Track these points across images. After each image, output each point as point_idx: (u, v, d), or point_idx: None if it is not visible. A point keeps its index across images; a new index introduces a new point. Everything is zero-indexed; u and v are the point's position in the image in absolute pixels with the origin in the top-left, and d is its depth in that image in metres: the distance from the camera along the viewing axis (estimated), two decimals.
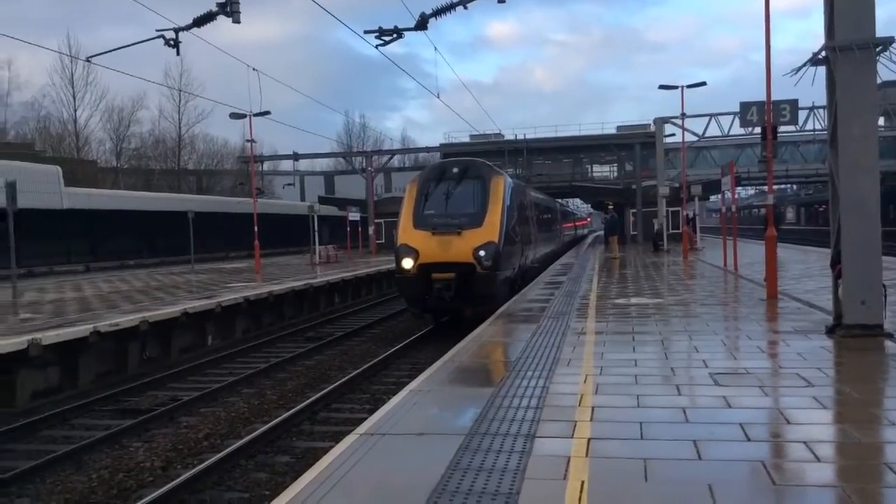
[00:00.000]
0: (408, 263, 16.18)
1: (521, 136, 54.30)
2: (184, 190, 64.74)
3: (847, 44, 9.49)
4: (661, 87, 31.34)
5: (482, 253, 15.88)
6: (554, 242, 34.18)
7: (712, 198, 48.66)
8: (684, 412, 6.22)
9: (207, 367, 15.17)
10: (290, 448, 9.40)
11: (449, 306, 16.26)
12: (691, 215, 35.23)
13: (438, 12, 16.58)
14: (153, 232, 44.70)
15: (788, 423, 5.90)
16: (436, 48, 33.87)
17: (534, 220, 23.82)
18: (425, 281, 16.01)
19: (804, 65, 10.45)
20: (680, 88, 31.02)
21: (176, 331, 16.28)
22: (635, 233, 47.52)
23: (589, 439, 5.50)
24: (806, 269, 21.06)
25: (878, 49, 9.56)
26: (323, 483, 4.86)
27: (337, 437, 8.44)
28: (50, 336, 12.58)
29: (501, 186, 17.28)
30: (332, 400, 11.64)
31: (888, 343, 9.08)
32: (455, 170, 17.68)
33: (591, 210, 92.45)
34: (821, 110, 42.69)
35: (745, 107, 15.11)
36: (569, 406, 6.52)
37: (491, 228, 16.36)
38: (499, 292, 16.31)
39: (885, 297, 9.64)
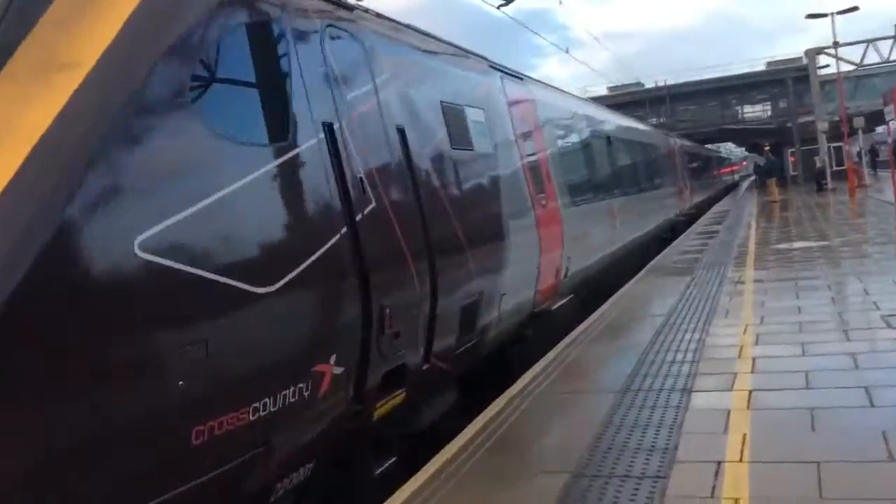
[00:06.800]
0: None
1: (661, 84, 52.30)
2: None
3: None
4: (809, 16, 29.25)
5: None
6: (662, 213, 19.54)
7: (878, 129, 44.96)
8: (854, 358, 5.86)
9: None
10: None
11: None
12: (863, 149, 32.63)
13: None
14: None
15: None
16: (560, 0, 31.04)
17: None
18: None
19: None
20: (830, 15, 28.83)
21: None
22: (795, 173, 44.78)
23: (750, 391, 5.29)
24: None
25: None
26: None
27: None
28: None
29: None
30: None
31: None
32: None
33: (746, 153, 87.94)
34: None
35: None
36: (727, 358, 6.28)
37: None
38: None
39: None
